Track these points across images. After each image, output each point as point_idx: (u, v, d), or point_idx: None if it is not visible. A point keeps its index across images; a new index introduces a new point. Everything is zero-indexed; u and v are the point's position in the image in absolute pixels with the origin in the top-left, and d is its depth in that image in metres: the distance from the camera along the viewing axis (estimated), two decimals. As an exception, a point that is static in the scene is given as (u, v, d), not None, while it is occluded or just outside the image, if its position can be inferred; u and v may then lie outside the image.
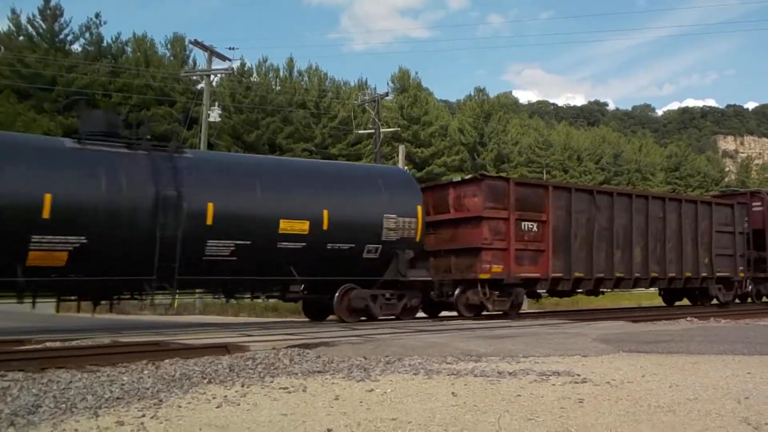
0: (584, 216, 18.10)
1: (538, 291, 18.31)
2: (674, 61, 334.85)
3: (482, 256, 16.16)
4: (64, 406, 5.67)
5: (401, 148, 34.43)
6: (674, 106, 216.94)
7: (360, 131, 45.29)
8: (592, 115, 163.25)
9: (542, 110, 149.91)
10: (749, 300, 24.09)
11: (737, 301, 23.51)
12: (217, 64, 33.41)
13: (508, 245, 16.46)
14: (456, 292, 16.34)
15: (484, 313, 16.81)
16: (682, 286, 21.21)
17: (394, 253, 15.22)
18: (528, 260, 16.92)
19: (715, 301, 22.26)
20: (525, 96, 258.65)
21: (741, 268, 22.39)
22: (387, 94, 45.03)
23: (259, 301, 19.43)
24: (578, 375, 7.15)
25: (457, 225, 16.83)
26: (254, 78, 51.78)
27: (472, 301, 16.40)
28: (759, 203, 24.05)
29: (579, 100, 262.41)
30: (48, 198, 11.52)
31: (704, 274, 21.20)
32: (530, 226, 16.96)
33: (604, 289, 19.55)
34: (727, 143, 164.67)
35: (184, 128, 38.93)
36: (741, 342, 10.16)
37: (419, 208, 15.80)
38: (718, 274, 21.52)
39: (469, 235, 16.46)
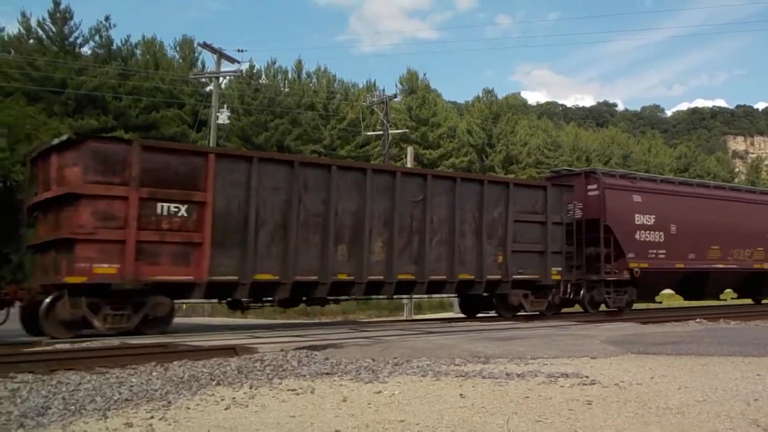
0: (279, 197, 13.41)
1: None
2: (683, 61, 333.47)
3: (77, 250, 11.39)
4: (73, 407, 5.70)
5: (409, 150, 34.43)
6: (684, 106, 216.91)
7: (368, 133, 45.30)
8: (601, 116, 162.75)
9: (551, 111, 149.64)
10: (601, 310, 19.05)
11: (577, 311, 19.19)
12: (226, 67, 33.62)
13: (126, 236, 11.70)
14: (46, 302, 11.46)
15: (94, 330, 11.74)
16: (454, 291, 16.58)
17: None
18: (171, 257, 12.19)
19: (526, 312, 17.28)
20: (533, 97, 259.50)
21: (558, 268, 17.43)
22: (395, 96, 45.03)
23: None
24: (587, 377, 7.14)
25: (60, 206, 11.96)
26: (263, 80, 51.90)
27: (63, 317, 11.35)
28: (595, 186, 18.97)
29: (588, 101, 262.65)
30: None
31: (495, 277, 16.33)
32: (175, 210, 12.31)
33: (327, 297, 14.48)
34: (737, 144, 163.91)
35: (194, 130, 39.07)
36: (751, 343, 10.11)
37: None
38: (517, 276, 16.63)
39: (66, 221, 11.73)
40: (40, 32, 42.47)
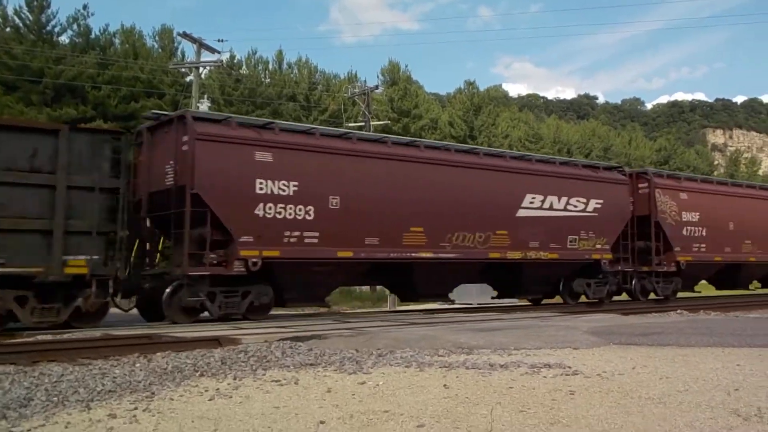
0: None
1: None
2: (664, 55, 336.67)
3: None
4: (56, 399, 5.67)
5: (391, 141, 34.36)
6: (664, 99, 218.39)
7: (350, 124, 45.16)
8: (582, 108, 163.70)
9: (532, 103, 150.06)
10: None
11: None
12: (206, 56, 33.32)
13: None
14: None
15: None
16: None
17: None
18: None
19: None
20: (515, 89, 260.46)
21: (84, 257, 11.57)
22: (377, 87, 44.98)
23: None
24: (569, 367, 7.19)
25: None
26: (243, 70, 51.55)
27: None
28: (186, 138, 13.04)
29: (569, 94, 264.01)
30: None
31: None
32: None
33: None
34: (716, 137, 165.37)
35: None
36: (731, 334, 10.24)
37: None
38: None
39: None
40: (17, 21, 41.78)
